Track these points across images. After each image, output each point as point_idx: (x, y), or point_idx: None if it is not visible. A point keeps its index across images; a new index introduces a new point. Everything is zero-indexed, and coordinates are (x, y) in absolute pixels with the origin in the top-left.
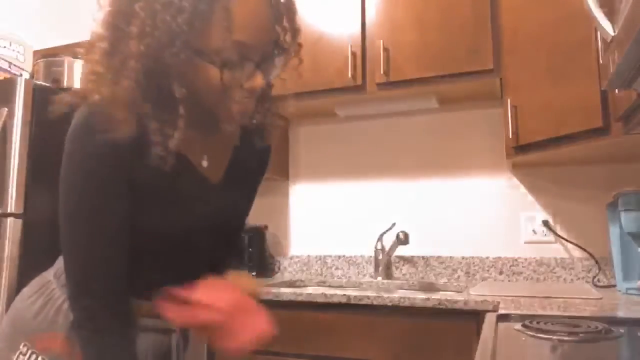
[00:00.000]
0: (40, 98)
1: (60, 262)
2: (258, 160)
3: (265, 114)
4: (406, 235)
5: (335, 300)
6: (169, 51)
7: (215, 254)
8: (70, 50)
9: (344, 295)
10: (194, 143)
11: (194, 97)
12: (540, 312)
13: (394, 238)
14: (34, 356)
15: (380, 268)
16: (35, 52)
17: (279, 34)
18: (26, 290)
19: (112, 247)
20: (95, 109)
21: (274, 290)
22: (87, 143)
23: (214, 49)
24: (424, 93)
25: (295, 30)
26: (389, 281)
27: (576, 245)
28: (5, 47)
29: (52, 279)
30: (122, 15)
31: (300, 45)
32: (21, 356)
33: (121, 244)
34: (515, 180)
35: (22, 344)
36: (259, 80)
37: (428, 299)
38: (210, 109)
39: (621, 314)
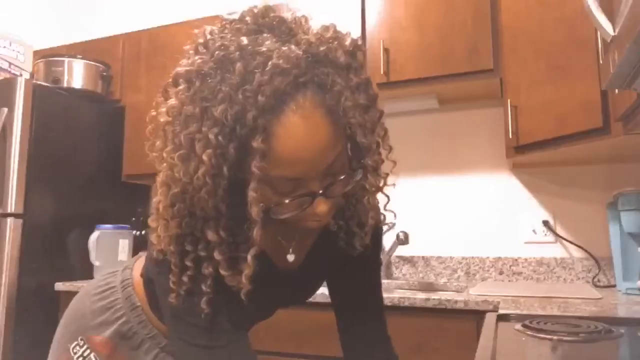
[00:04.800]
0: (40, 98)
1: (126, 274)
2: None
3: (354, 219)
4: (406, 235)
5: None
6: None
7: None
8: (71, 50)
9: None
10: (277, 240)
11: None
12: (540, 312)
13: (394, 238)
14: (88, 351)
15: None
16: (35, 52)
17: (351, 147)
18: (92, 287)
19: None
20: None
21: None
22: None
23: (249, 201)
24: (424, 93)
25: (371, 143)
26: (389, 281)
27: (576, 245)
28: (5, 47)
29: (118, 287)
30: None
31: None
32: (77, 347)
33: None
34: (515, 180)
35: (80, 337)
36: (321, 207)
37: (428, 299)
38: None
39: (621, 314)
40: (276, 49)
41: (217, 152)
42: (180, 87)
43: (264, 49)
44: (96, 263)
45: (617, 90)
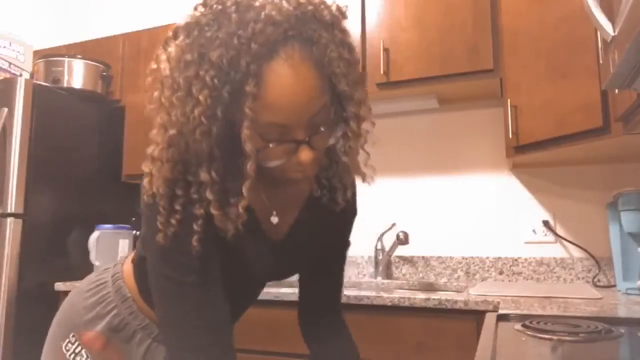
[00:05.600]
0: (40, 98)
1: (117, 268)
2: (338, 216)
3: (336, 177)
4: (406, 235)
5: None
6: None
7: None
8: (71, 50)
9: (344, 295)
10: (262, 199)
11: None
12: (540, 312)
13: (394, 238)
14: (79, 348)
15: (380, 268)
16: (35, 52)
17: (334, 102)
18: (84, 284)
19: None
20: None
21: (274, 290)
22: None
23: (243, 138)
24: (424, 93)
25: (354, 98)
26: (389, 281)
27: (576, 245)
28: (5, 47)
29: (109, 281)
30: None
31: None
32: (69, 344)
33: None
34: (515, 180)
35: (72, 334)
36: (305, 155)
37: (428, 299)
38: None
39: (621, 314)
40: (268, 3)
41: (213, 94)
42: (180, 38)
43: (258, 3)
44: (96, 263)
45: (617, 90)
